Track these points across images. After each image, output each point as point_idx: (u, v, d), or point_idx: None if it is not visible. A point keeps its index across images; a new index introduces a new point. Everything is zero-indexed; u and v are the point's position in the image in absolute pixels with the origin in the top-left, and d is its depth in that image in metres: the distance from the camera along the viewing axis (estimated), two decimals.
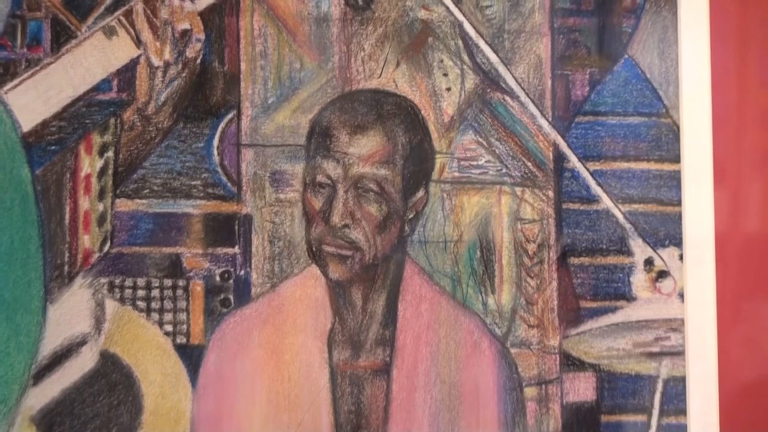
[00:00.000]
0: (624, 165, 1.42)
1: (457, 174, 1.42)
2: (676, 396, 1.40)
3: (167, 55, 1.40)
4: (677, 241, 1.42)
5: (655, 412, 1.40)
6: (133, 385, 1.38)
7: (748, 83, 1.44)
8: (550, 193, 1.42)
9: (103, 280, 1.39)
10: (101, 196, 1.40)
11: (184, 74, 1.40)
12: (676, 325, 1.41)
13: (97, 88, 1.40)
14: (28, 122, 1.39)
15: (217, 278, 1.40)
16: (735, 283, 1.42)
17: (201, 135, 1.40)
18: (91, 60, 1.40)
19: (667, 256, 1.42)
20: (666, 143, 1.42)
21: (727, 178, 1.42)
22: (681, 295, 1.41)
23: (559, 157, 1.42)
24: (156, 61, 1.40)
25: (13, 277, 1.38)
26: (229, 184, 1.41)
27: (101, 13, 1.40)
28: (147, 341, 1.39)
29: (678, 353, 1.41)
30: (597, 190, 1.41)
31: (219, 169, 1.40)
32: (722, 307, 1.41)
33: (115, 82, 1.40)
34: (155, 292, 1.40)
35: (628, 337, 1.41)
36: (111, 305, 1.39)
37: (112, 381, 1.38)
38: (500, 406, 1.40)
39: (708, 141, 1.42)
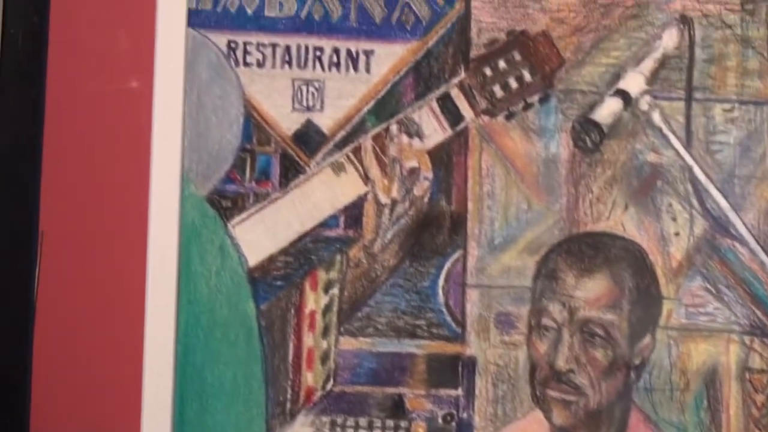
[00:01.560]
0: None
1: (684, 321, 1.43)
2: None
3: (395, 193, 1.42)
4: None
5: None
6: None
7: None
8: None
9: (325, 419, 1.41)
10: (325, 333, 1.42)
11: (411, 212, 1.43)
12: None
13: (324, 224, 1.43)
14: (254, 257, 1.42)
15: (440, 420, 1.42)
16: None
17: (426, 274, 1.43)
18: (319, 196, 1.42)
19: None
20: None
21: None
22: None
23: None
24: (383, 199, 1.42)
25: (236, 414, 1.40)
26: (453, 324, 1.42)
27: (330, 149, 1.43)
28: None
29: None
30: None
31: (444, 309, 1.42)
32: None
33: (342, 219, 1.43)
34: None
35: None
36: None
37: None
38: None
39: None
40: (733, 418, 1.42)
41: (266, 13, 1.44)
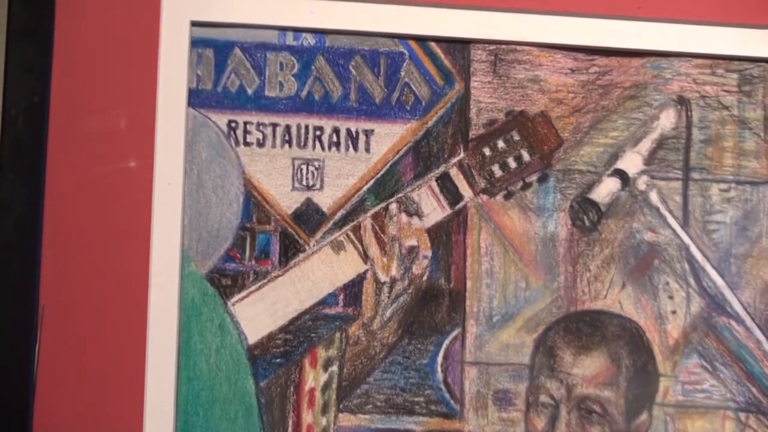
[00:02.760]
0: None
1: (681, 398, 1.47)
2: None
3: (394, 271, 1.46)
4: None
5: None
6: None
7: None
8: None
9: None
10: (324, 410, 1.45)
11: (410, 290, 1.46)
12: None
13: (323, 302, 1.46)
14: (254, 334, 1.45)
15: None
16: None
17: (425, 351, 1.46)
18: (318, 274, 1.46)
19: None
20: None
21: None
22: None
23: None
24: (383, 277, 1.46)
25: None
26: (452, 401, 1.46)
27: (329, 228, 1.47)
28: None
29: None
30: None
31: (442, 386, 1.46)
32: None
33: (341, 297, 1.46)
34: None
35: None
36: None
37: None
38: None
39: None
40: None
41: (266, 92, 1.48)
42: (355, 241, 1.47)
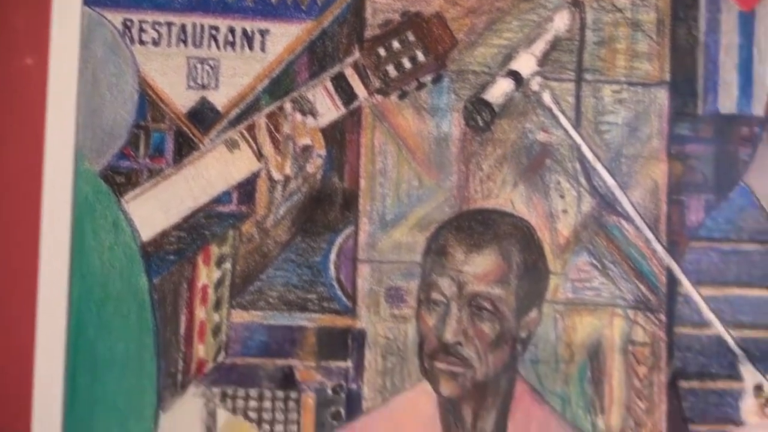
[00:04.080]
0: (737, 291, 1.51)
1: (570, 295, 1.51)
2: None
3: (288, 170, 1.49)
4: None
5: None
6: None
7: None
8: (663, 317, 1.51)
9: (216, 390, 1.48)
10: (217, 306, 1.49)
11: (303, 189, 1.49)
12: None
13: (217, 200, 1.50)
14: (147, 232, 1.48)
15: (329, 392, 1.49)
16: None
17: (318, 249, 1.49)
18: (212, 172, 1.49)
19: None
20: None
21: None
22: None
23: (673, 282, 1.51)
24: (276, 175, 1.49)
25: (127, 385, 1.47)
26: (344, 298, 1.49)
27: (224, 127, 1.50)
28: None
29: None
30: (709, 315, 1.50)
31: (335, 284, 1.49)
32: None
33: (235, 195, 1.49)
34: (267, 404, 1.48)
35: None
36: (223, 415, 1.48)
37: None
38: None
39: None
40: (616, 389, 1.51)
41: None
42: (250, 140, 1.50)
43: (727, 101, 1.54)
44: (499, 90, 1.52)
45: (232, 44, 1.52)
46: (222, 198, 1.51)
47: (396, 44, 1.52)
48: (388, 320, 1.51)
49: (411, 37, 1.53)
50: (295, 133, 1.51)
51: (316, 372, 1.50)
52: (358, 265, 1.51)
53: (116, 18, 1.51)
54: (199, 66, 1.51)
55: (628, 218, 1.52)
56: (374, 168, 1.52)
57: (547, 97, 1.52)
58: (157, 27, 1.51)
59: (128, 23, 1.51)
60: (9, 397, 1.45)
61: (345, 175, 1.52)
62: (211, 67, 1.51)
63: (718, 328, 1.52)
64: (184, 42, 1.51)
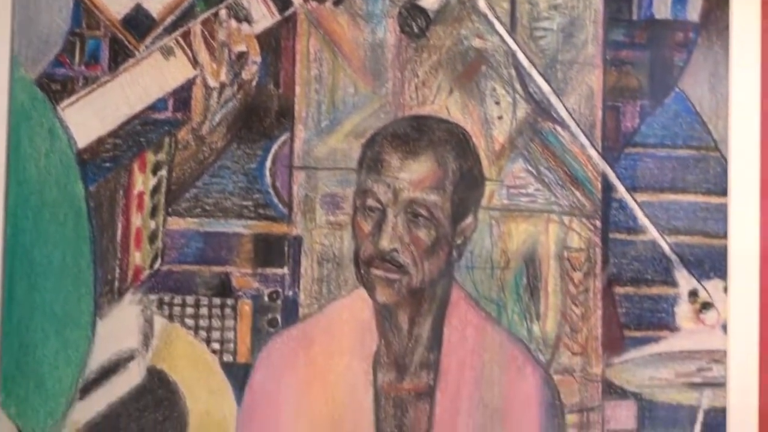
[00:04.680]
0: (671, 197, 1.52)
1: (506, 201, 1.52)
2: (716, 427, 1.51)
3: (223, 77, 1.50)
4: (722, 274, 1.52)
5: None
6: (178, 401, 1.49)
7: None
8: (598, 223, 1.52)
9: (153, 297, 1.50)
10: (153, 213, 1.50)
11: (239, 96, 1.50)
12: (719, 357, 1.52)
13: (152, 107, 1.51)
14: (83, 139, 1.50)
15: (266, 298, 1.50)
16: None
17: (254, 156, 1.51)
18: (148, 79, 1.50)
19: (711, 288, 1.52)
20: (714, 176, 1.53)
21: None
22: (724, 327, 1.51)
23: (608, 187, 1.52)
24: (212, 82, 1.50)
25: (64, 292, 1.48)
26: (280, 205, 1.51)
27: (159, 34, 1.51)
28: (194, 358, 1.49)
29: (719, 384, 1.51)
30: (644, 220, 1.51)
31: (271, 191, 1.51)
32: (765, 340, 1.50)
33: (170, 102, 1.51)
34: (204, 311, 1.50)
35: (670, 367, 1.51)
36: (159, 322, 1.49)
37: (159, 397, 1.49)
38: None
39: (756, 175, 1.52)
40: (552, 295, 1.52)
41: None
42: (185, 47, 1.51)
43: (662, 6, 1.55)
44: None
45: None
46: (158, 105, 1.52)
47: None
48: (324, 227, 1.52)
49: None
50: (231, 39, 1.52)
51: (252, 279, 1.52)
52: (294, 172, 1.52)
53: None
54: None
55: (563, 124, 1.53)
56: (309, 75, 1.53)
57: (482, 3, 1.53)
58: None
59: None
60: None
61: (280, 82, 1.53)
62: None
63: (653, 233, 1.53)
64: None
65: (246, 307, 1.52)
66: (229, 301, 1.51)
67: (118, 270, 1.51)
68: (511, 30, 1.54)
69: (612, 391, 1.52)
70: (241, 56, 1.52)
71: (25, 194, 1.49)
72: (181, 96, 1.52)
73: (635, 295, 1.53)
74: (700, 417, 1.52)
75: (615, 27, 1.55)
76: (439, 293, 1.53)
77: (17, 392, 1.47)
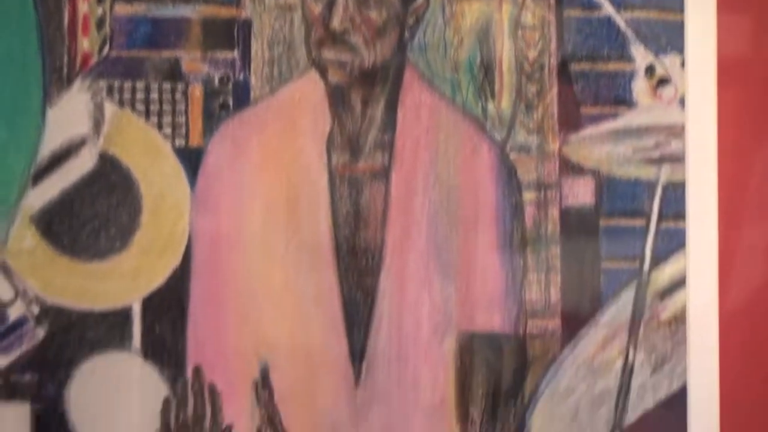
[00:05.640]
0: None
1: None
2: (675, 201, 1.50)
3: None
4: (679, 48, 1.51)
5: (654, 216, 1.50)
6: (132, 185, 1.49)
7: None
8: (551, 0, 1.50)
9: (102, 84, 1.49)
10: None
11: None
12: (677, 131, 1.51)
13: None
14: None
15: (216, 82, 1.50)
16: (736, 91, 1.51)
17: None
18: None
19: (668, 63, 1.51)
20: None
21: None
22: (682, 102, 1.50)
23: None
24: None
25: (12, 81, 1.48)
26: None
27: None
28: (146, 143, 1.49)
29: (678, 159, 1.50)
30: None
31: None
32: (723, 114, 1.50)
33: None
34: (154, 95, 1.49)
35: (627, 143, 1.51)
36: (110, 108, 1.49)
37: (111, 182, 1.48)
38: (498, 210, 1.50)
39: None
40: (506, 74, 1.52)
41: None
42: None
43: None
44: None
45: None
46: None
47: None
48: (273, 9, 1.51)
49: None
50: None
51: (202, 63, 1.51)
52: None
53: None
54: None
55: None
56: None
57: None
58: None
59: None
60: None
61: None
62: None
63: (608, 9, 1.52)
64: None
65: (197, 91, 1.51)
66: (180, 86, 1.51)
67: (66, 57, 1.50)
68: None
69: (569, 167, 1.52)
70: None
71: None
72: None
73: (591, 71, 1.52)
74: (658, 191, 1.51)
75: None
76: (392, 74, 1.52)
77: None
